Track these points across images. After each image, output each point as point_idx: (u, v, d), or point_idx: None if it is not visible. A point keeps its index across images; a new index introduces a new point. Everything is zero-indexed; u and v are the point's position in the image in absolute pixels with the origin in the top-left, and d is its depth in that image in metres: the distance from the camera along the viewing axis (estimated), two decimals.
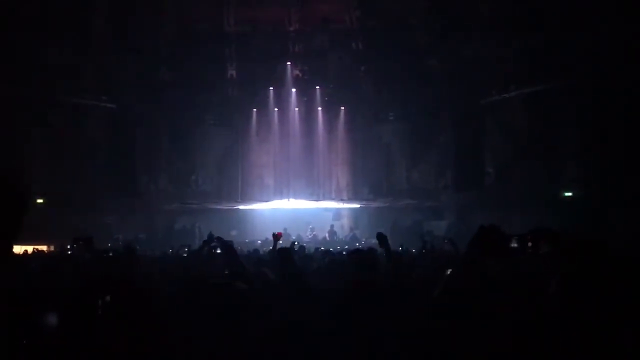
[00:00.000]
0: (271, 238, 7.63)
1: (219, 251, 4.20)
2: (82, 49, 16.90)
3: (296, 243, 8.93)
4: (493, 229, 2.08)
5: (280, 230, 13.98)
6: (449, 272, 2.03)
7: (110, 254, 4.41)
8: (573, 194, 15.44)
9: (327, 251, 8.70)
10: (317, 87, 21.21)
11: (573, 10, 14.32)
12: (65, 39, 16.32)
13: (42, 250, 9.79)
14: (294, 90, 21.38)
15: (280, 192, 21.47)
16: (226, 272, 3.65)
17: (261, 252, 9.12)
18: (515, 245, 2.30)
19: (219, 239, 5.96)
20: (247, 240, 17.03)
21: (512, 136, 17.66)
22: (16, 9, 14.55)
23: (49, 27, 15.69)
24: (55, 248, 10.91)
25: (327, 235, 19.41)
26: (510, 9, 16.19)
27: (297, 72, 21.14)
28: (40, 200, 15.57)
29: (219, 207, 20.40)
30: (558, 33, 14.90)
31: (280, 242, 8.62)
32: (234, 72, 20.99)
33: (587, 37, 13.96)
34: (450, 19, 17.89)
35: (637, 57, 12.66)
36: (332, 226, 19.91)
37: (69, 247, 7.01)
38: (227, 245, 4.13)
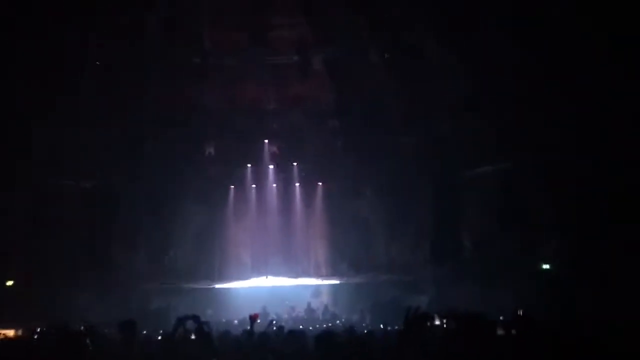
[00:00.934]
0: (248, 317, 7.43)
1: (192, 336, 4.05)
2: (60, 129, 16.94)
3: (274, 322, 8.68)
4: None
5: (259, 309, 13.74)
6: None
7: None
8: (550, 267, 15.52)
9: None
10: (295, 163, 21.45)
11: (540, 88, 14.92)
12: (44, 118, 16.35)
13: (8, 336, 9.34)
14: (271, 167, 21.59)
15: (258, 269, 21.15)
16: None
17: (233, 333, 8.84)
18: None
19: (195, 317, 5.77)
20: (223, 320, 16.55)
21: (488, 210, 17.88)
22: None
23: (30, 109, 15.75)
24: (23, 332, 10.44)
25: (304, 313, 19.03)
26: (481, 86, 16.78)
27: (274, 149, 21.44)
28: (9, 283, 15.07)
29: (195, 286, 19.94)
30: (530, 110, 15.41)
31: (259, 321, 8.41)
32: (212, 150, 21.18)
33: (560, 113, 14.46)
34: (426, 95, 18.51)
35: (607, 131, 13.09)
36: (309, 304, 19.55)
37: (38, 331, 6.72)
38: (201, 329, 4.00)
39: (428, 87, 18.57)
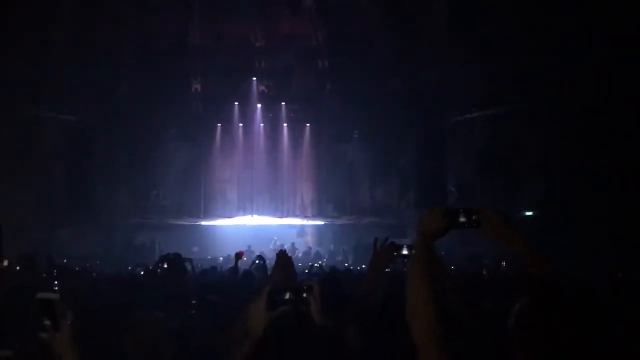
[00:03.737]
0: (233, 255, 7.50)
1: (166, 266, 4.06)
2: (41, 61, 16.46)
3: (262, 257, 8.58)
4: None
5: (244, 247, 13.86)
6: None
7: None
8: (533, 213, 15.75)
9: None
10: (283, 103, 21.20)
11: (534, 33, 14.72)
12: (23, 50, 15.87)
13: None
14: (259, 106, 21.32)
15: (244, 208, 21.27)
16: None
17: (219, 269, 8.93)
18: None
19: (176, 255, 5.79)
20: (208, 257, 16.73)
21: (474, 156, 17.98)
22: None
23: (7, 37, 15.25)
24: (8, 265, 10.43)
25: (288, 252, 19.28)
26: (472, 31, 16.55)
27: (262, 87, 21.10)
28: None
29: (180, 222, 20.05)
30: (521, 56, 15.27)
31: (244, 258, 8.49)
32: (198, 86, 20.81)
33: (549, 61, 14.36)
34: (412, 39, 18.22)
35: (598, 79, 13.03)
36: (292, 243, 19.79)
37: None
38: (177, 266, 4.00)
39: (418, 29, 18.25)
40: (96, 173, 19.19)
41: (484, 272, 7.35)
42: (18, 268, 6.17)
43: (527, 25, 14.88)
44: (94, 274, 7.91)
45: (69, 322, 1.80)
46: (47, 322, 1.78)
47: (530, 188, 16.11)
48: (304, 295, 1.78)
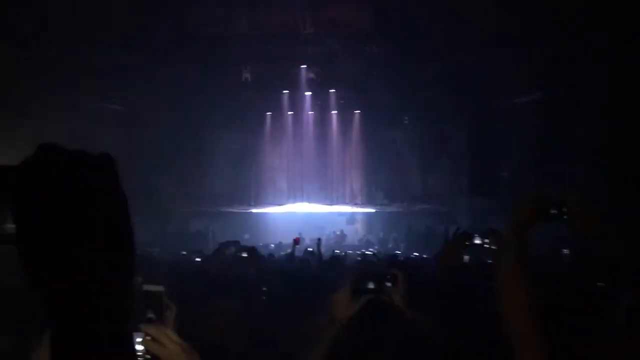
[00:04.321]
0: (284, 242, 7.60)
1: (244, 255, 4.11)
2: (95, 51, 16.89)
3: (320, 242, 8.51)
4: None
5: (295, 235, 13.97)
6: None
7: None
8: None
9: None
10: (332, 90, 21.15)
11: (591, 15, 14.14)
12: (73, 39, 16.28)
13: None
14: (308, 93, 21.33)
15: (294, 195, 21.42)
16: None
17: (276, 256, 9.03)
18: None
19: (236, 243, 5.89)
20: (260, 244, 16.96)
21: (527, 141, 17.53)
22: (24, 10, 14.52)
23: (63, 28, 15.67)
24: None
25: (339, 239, 19.35)
26: (525, 15, 16.04)
27: (311, 75, 21.09)
28: None
29: (232, 210, 20.37)
30: (574, 39, 14.73)
31: (298, 246, 8.57)
32: (248, 75, 20.97)
33: (603, 41, 13.79)
34: (464, 23, 17.79)
35: None
36: (342, 230, 19.83)
37: None
38: (253, 249, 4.06)
39: (469, 11, 17.80)
40: (150, 162, 19.68)
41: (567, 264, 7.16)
42: None
43: (582, 8, 14.30)
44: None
45: (173, 315, 1.82)
46: (152, 315, 1.80)
47: (585, 174, 15.60)
48: (387, 284, 1.77)
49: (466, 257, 3.09)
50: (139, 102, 18.74)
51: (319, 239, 7.50)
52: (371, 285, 1.76)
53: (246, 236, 17.91)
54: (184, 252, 12.08)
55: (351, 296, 1.71)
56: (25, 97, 14.58)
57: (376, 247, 17.20)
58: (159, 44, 18.51)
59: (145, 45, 18.01)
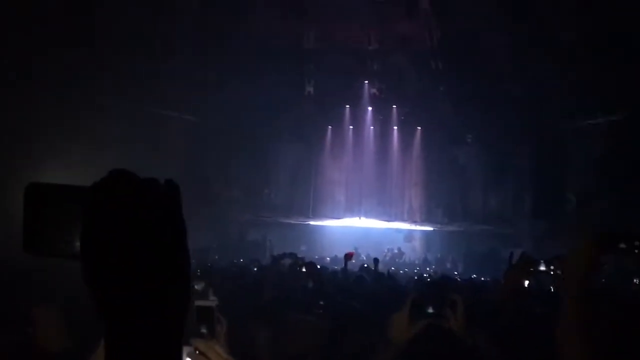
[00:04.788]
0: (340, 255, 7.57)
1: (303, 269, 4.13)
2: (168, 61, 17.52)
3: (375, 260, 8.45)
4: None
5: (351, 249, 13.93)
6: None
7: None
8: None
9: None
10: (394, 106, 21.06)
11: None
12: (151, 49, 16.94)
13: None
14: (370, 108, 21.34)
15: (352, 210, 21.39)
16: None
17: (330, 269, 9.00)
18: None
19: (292, 255, 5.92)
20: (316, 257, 17.02)
21: (595, 163, 16.83)
22: (103, 20, 15.21)
23: (136, 38, 16.34)
24: None
25: (395, 257, 19.15)
26: (597, 33, 15.47)
27: (374, 90, 21.08)
28: None
29: (290, 221, 20.55)
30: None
31: (353, 261, 8.52)
32: (311, 89, 21.20)
33: None
34: (533, 41, 17.33)
35: None
36: (399, 248, 19.61)
37: None
38: (312, 265, 4.07)
39: (538, 30, 17.32)
40: (213, 171, 20.18)
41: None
42: None
43: None
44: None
45: (224, 330, 1.86)
46: (204, 330, 1.85)
47: None
48: (447, 309, 1.73)
49: (528, 283, 2.99)
50: (209, 113, 19.31)
51: (376, 259, 7.42)
52: (430, 310, 1.73)
53: (303, 248, 18.02)
54: (242, 260, 12.31)
55: (409, 319, 1.69)
56: (96, 104, 15.25)
57: (433, 267, 16.89)
58: (230, 57, 19.02)
59: (217, 58, 18.56)
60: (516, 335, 2.20)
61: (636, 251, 1.55)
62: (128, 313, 0.61)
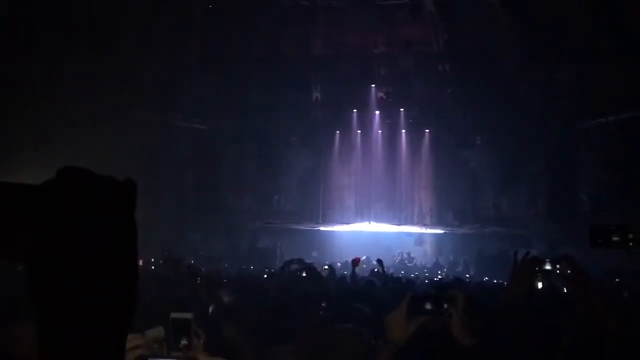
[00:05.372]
0: (350, 261, 7.54)
1: (304, 274, 4.12)
2: (177, 70, 17.61)
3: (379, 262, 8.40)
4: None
5: (361, 255, 13.86)
6: None
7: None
8: None
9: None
10: (402, 109, 21.01)
11: None
12: (160, 59, 17.03)
13: None
14: (377, 112, 21.30)
15: (362, 214, 21.32)
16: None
17: (338, 274, 8.93)
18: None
19: (300, 260, 5.92)
20: (327, 262, 16.95)
21: (608, 164, 16.64)
22: (112, 29, 15.28)
23: (147, 47, 16.42)
24: (142, 263, 11.24)
25: (406, 261, 19.04)
26: (606, 32, 15.34)
27: (381, 94, 21.03)
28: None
29: (300, 227, 20.53)
30: None
31: (364, 266, 8.47)
32: (318, 95, 21.22)
33: None
34: (540, 42, 17.21)
35: None
36: (409, 253, 19.51)
37: (154, 261, 7.27)
38: (311, 268, 4.05)
39: (547, 30, 17.20)
40: (223, 179, 20.23)
41: (625, 294, 6.68)
42: (153, 267, 6.61)
43: None
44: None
45: (202, 342, 1.84)
46: (185, 342, 1.83)
47: None
48: (446, 306, 1.69)
49: (537, 284, 2.94)
50: (219, 121, 19.38)
51: (380, 260, 7.38)
52: (428, 306, 1.68)
53: (314, 254, 17.97)
54: (252, 268, 12.30)
55: (407, 317, 1.65)
56: (106, 113, 15.32)
57: (445, 270, 16.77)
58: (237, 64, 19.09)
59: (225, 66, 18.63)
60: (518, 336, 2.15)
61: (630, 244, 1.58)
62: (72, 316, 0.59)
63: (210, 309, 3.27)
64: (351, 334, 2.35)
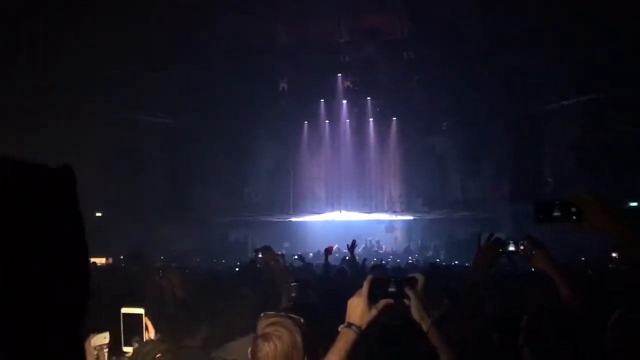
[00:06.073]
0: (323, 250, 7.55)
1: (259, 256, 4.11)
2: (139, 65, 17.30)
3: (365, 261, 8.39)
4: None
5: (333, 243, 13.91)
6: None
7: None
8: (639, 204, 14.65)
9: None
10: (368, 98, 21.07)
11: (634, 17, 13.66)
12: (120, 53, 16.71)
13: (95, 263, 9.90)
14: (344, 102, 21.32)
15: (332, 204, 21.39)
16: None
17: (314, 265, 8.97)
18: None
19: (267, 247, 5.88)
20: (299, 253, 16.99)
21: (571, 145, 17.02)
22: (75, 23, 14.93)
23: (104, 40, 16.09)
24: (112, 261, 11.08)
25: (377, 248, 19.20)
26: (568, 17, 15.62)
27: (347, 83, 21.06)
28: (99, 214, 15.99)
29: (271, 219, 20.49)
30: (619, 41, 14.23)
31: (337, 255, 8.48)
32: (285, 86, 21.10)
33: None
34: (503, 25, 17.45)
35: None
36: (378, 241, 19.66)
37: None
38: (266, 250, 4.05)
39: (506, 15, 17.44)
40: (192, 173, 20.01)
41: (589, 271, 6.83)
42: (123, 265, 6.52)
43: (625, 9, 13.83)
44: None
45: (156, 337, 1.80)
46: (137, 338, 1.79)
47: (634, 178, 15.01)
48: (406, 288, 1.69)
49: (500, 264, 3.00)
50: (185, 115, 19.13)
51: (354, 241, 7.38)
52: (391, 289, 1.69)
53: (286, 244, 17.99)
54: (224, 262, 12.23)
55: (368, 300, 1.65)
56: (74, 109, 15.03)
57: (416, 256, 16.97)
58: (201, 57, 18.83)
59: (187, 59, 18.35)
60: (477, 314, 2.19)
61: (573, 217, 1.63)
62: (18, 312, 0.55)
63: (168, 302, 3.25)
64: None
